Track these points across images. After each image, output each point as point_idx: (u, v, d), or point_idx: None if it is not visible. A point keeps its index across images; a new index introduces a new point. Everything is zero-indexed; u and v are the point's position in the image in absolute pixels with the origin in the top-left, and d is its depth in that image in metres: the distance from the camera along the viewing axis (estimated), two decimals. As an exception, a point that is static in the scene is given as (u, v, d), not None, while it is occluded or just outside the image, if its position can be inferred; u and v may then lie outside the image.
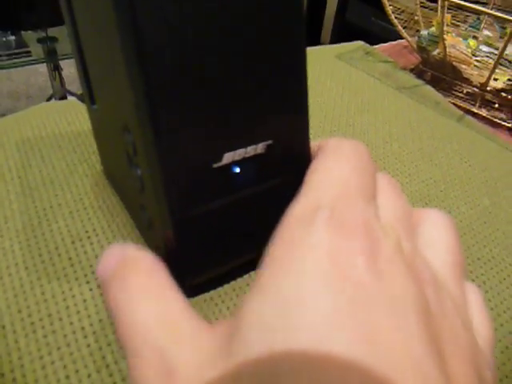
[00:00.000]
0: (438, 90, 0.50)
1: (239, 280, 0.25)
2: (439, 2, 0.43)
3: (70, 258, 0.25)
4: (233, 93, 0.20)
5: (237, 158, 0.21)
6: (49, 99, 1.38)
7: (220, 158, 0.21)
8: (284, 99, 0.22)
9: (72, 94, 0.34)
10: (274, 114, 0.22)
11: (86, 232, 0.26)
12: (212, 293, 0.24)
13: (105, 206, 0.28)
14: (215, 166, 0.21)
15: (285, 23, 0.20)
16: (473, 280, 0.28)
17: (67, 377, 0.20)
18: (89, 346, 0.21)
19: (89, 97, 0.25)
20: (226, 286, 0.24)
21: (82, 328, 0.22)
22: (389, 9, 0.49)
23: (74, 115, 0.35)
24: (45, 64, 1.38)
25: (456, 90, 0.50)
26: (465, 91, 0.50)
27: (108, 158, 0.28)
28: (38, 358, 0.21)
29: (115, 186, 0.29)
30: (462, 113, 0.46)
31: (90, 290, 0.23)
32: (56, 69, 1.36)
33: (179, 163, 0.20)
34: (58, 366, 0.20)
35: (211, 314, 0.23)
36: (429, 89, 0.49)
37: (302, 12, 0.21)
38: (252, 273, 0.25)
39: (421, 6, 0.53)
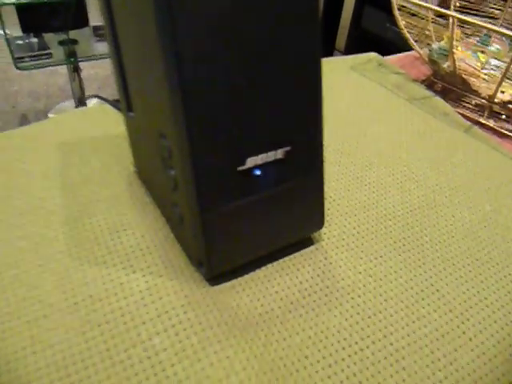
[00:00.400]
0: (447, 101, 0.52)
1: (257, 271, 0.28)
2: (450, 19, 0.46)
3: (107, 247, 0.28)
4: (256, 105, 0.23)
5: (259, 162, 0.24)
6: (77, 106, 1.44)
7: (244, 162, 0.23)
8: (301, 109, 0.25)
9: (106, 101, 0.37)
10: (292, 122, 0.25)
11: (122, 225, 0.29)
12: (234, 281, 0.27)
13: (138, 202, 0.31)
14: (239, 169, 0.23)
15: (303, 42, 0.23)
16: (471, 279, 0.30)
17: (107, 349, 0.23)
18: (125, 323, 0.24)
19: (126, 105, 0.28)
20: (245, 276, 0.27)
21: (120, 308, 0.25)
22: (401, 24, 0.51)
23: (108, 121, 0.39)
24: (65, 65, 1.42)
25: (465, 101, 0.53)
26: (473, 102, 0.52)
27: (142, 160, 0.31)
28: (81, 334, 0.24)
29: (148, 185, 0.32)
30: (468, 124, 0.48)
31: (126, 275, 0.26)
32: (75, 70, 1.41)
33: (209, 166, 0.23)
34: (98, 341, 0.23)
35: (232, 300, 0.26)
36: (438, 100, 0.52)
37: (319, 32, 0.24)
38: (269, 265, 0.28)
39: (432, 22, 0.55)
